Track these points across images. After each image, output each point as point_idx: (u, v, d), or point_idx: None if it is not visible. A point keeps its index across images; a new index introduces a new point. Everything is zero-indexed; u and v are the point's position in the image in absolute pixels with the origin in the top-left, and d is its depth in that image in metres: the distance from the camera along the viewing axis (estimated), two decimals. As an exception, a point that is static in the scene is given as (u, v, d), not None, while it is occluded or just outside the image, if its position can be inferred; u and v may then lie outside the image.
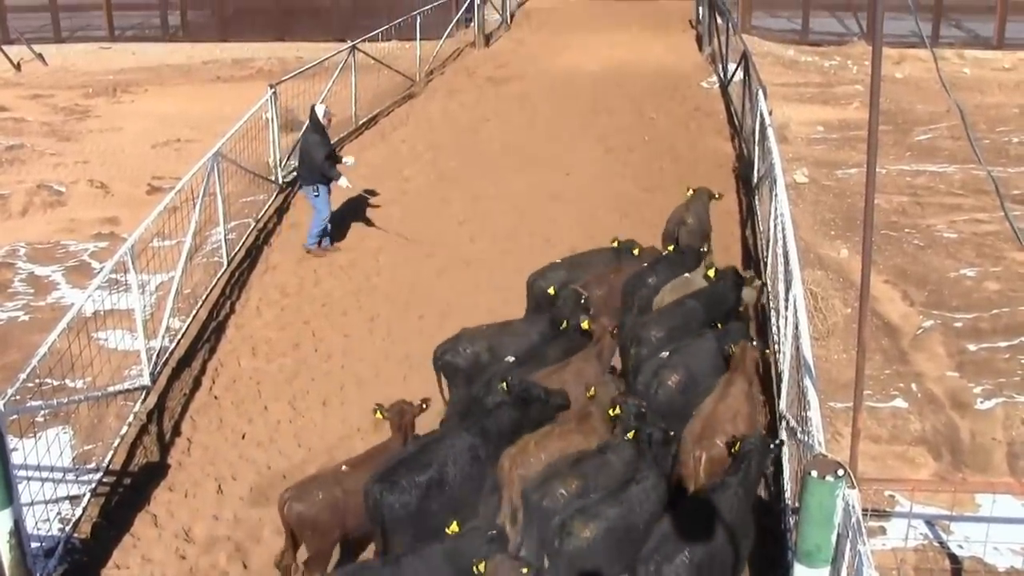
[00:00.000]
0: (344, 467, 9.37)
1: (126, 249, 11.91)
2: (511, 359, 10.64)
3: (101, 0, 31.08)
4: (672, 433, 9.10)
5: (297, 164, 16.84)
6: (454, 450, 9.22)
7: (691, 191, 14.71)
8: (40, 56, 29.35)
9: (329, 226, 16.14)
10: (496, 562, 7.92)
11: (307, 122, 16.46)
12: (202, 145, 17.98)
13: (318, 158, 15.68)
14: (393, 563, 8.15)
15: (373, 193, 17.85)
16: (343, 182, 15.90)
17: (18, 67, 28.91)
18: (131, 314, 12.38)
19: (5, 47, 29.51)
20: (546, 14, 33.64)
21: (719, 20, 25.78)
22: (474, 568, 7.88)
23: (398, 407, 9.80)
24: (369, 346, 13.42)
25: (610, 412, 9.50)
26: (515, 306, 13.93)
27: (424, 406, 9.96)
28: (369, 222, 17.11)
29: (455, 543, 8.27)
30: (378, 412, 9.85)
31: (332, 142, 16.81)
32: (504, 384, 9.86)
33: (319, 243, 16.15)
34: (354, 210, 17.27)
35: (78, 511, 10.17)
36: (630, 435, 9.06)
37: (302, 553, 9.18)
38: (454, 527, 8.38)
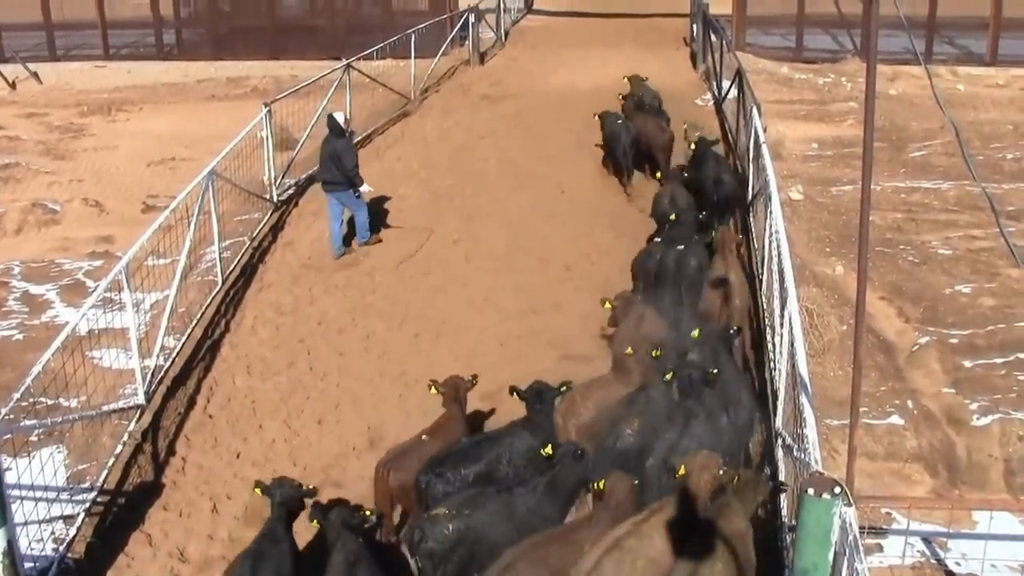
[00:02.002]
0: (424, 436, 10.04)
1: (121, 268, 11.90)
2: None
3: (96, 19, 31.15)
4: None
5: (319, 171, 17.04)
6: (511, 449, 9.64)
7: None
8: (35, 74, 29.41)
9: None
10: (613, 478, 8.60)
11: (328, 132, 16.67)
12: (197, 163, 17.98)
13: (349, 164, 16.21)
14: (506, 492, 8.75)
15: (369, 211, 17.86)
16: (365, 188, 16.54)
17: (13, 85, 28.96)
18: (126, 333, 12.35)
19: (0, 65, 29.55)
20: (541, 32, 33.75)
21: (713, 38, 25.85)
22: (595, 487, 8.61)
23: (452, 381, 10.53)
24: (364, 364, 13.40)
25: (653, 353, 10.62)
26: (511, 324, 13.95)
27: (474, 381, 10.67)
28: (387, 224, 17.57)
29: (554, 473, 8.91)
30: (433, 387, 10.49)
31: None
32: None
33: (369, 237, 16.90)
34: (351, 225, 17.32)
35: (72, 531, 10.13)
36: (668, 376, 10.18)
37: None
38: (548, 449, 9.13)
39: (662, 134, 18.72)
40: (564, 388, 10.35)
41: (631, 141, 18.50)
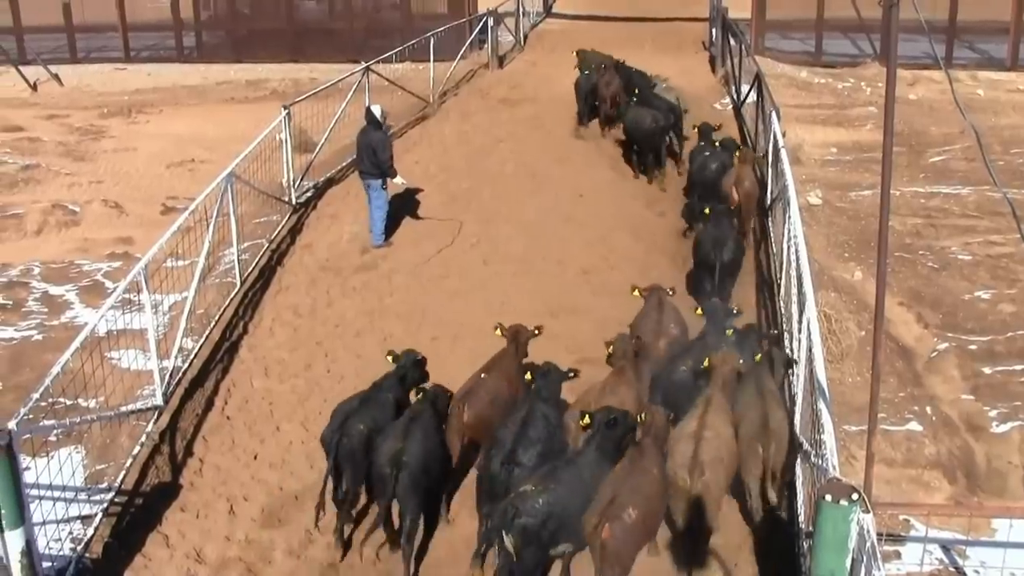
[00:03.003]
0: (483, 375, 10.97)
1: (140, 269, 11.93)
2: None
3: (117, 21, 31.31)
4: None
5: (357, 159, 17.44)
6: (548, 423, 10.18)
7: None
8: (56, 76, 29.56)
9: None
10: (653, 411, 9.69)
11: (365, 123, 17.11)
12: (216, 166, 18.00)
13: (383, 156, 16.65)
14: (571, 463, 9.28)
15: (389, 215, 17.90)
16: (399, 180, 17.14)
17: (34, 87, 29.13)
18: (144, 334, 12.38)
19: (22, 67, 29.78)
20: (559, 36, 33.74)
21: (732, 42, 25.84)
22: (640, 418, 9.58)
23: (516, 327, 11.72)
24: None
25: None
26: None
27: (537, 332, 11.75)
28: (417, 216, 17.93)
29: (596, 440, 9.48)
30: (497, 330, 11.68)
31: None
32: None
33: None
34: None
35: (90, 531, 10.16)
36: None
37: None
38: (585, 420, 9.64)
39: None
40: (571, 374, 10.93)
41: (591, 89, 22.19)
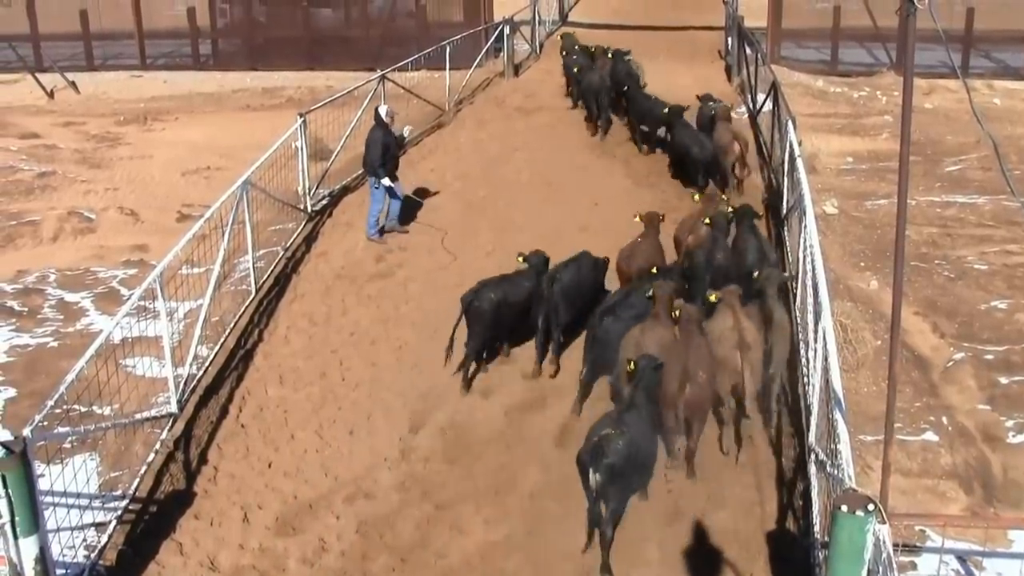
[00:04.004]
0: (639, 239, 14.43)
1: (155, 276, 11.95)
2: None
3: (133, 29, 31.39)
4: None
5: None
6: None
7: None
8: (73, 84, 29.64)
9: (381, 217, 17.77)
10: (682, 305, 11.71)
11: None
12: (231, 173, 18.04)
13: (371, 155, 17.30)
14: (631, 407, 10.27)
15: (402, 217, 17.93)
16: (386, 182, 17.37)
17: (51, 95, 29.21)
18: (159, 341, 12.41)
19: (39, 75, 29.85)
20: (575, 44, 33.67)
21: (748, 50, 25.77)
22: (677, 308, 11.65)
23: (651, 213, 14.80)
24: (396, 375, 13.40)
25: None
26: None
27: (662, 218, 14.86)
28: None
29: (643, 383, 10.48)
30: (637, 217, 14.69)
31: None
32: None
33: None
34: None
35: (104, 538, 10.17)
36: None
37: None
38: (631, 366, 10.60)
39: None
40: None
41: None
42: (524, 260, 13.52)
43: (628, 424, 9.95)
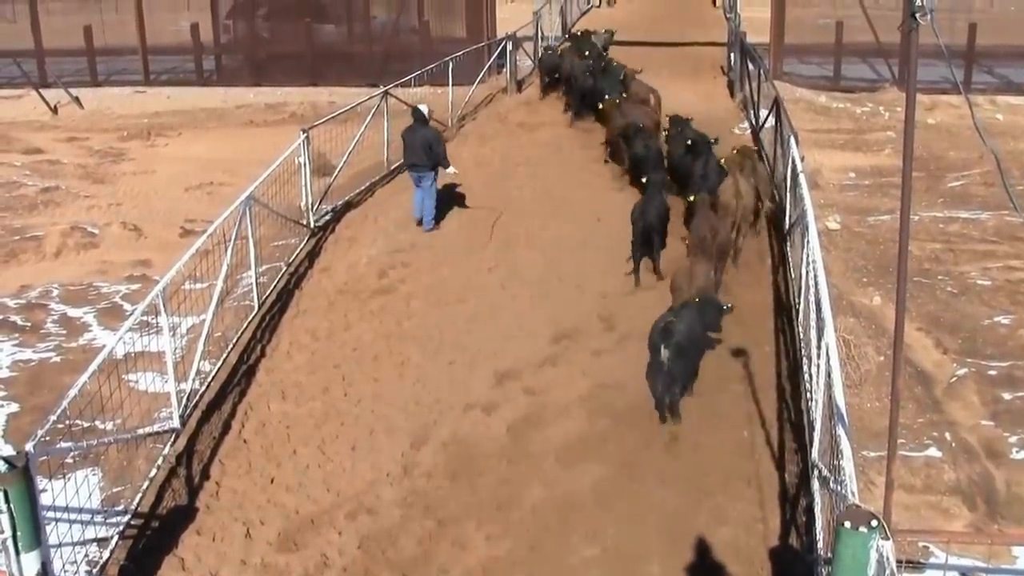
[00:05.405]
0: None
1: (158, 291, 11.95)
2: None
3: (137, 44, 31.46)
4: None
5: (406, 156, 18.68)
6: None
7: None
8: (76, 99, 29.72)
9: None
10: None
11: (412, 122, 18.50)
12: (235, 189, 18.07)
13: (439, 149, 18.20)
14: (686, 307, 12.63)
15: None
16: (451, 169, 18.58)
17: (55, 110, 29.28)
18: (162, 356, 12.40)
19: (43, 90, 29.91)
20: (578, 60, 33.69)
21: (751, 66, 25.82)
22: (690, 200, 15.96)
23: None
24: (399, 391, 13.39)
25: None
26: (546, 352, 13.91)
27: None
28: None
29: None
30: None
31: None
32: None
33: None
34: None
35: (106, 554, 10.16)
36: None
37: None
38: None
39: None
40: None
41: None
42: None
43: (685, 316, 12.24)
